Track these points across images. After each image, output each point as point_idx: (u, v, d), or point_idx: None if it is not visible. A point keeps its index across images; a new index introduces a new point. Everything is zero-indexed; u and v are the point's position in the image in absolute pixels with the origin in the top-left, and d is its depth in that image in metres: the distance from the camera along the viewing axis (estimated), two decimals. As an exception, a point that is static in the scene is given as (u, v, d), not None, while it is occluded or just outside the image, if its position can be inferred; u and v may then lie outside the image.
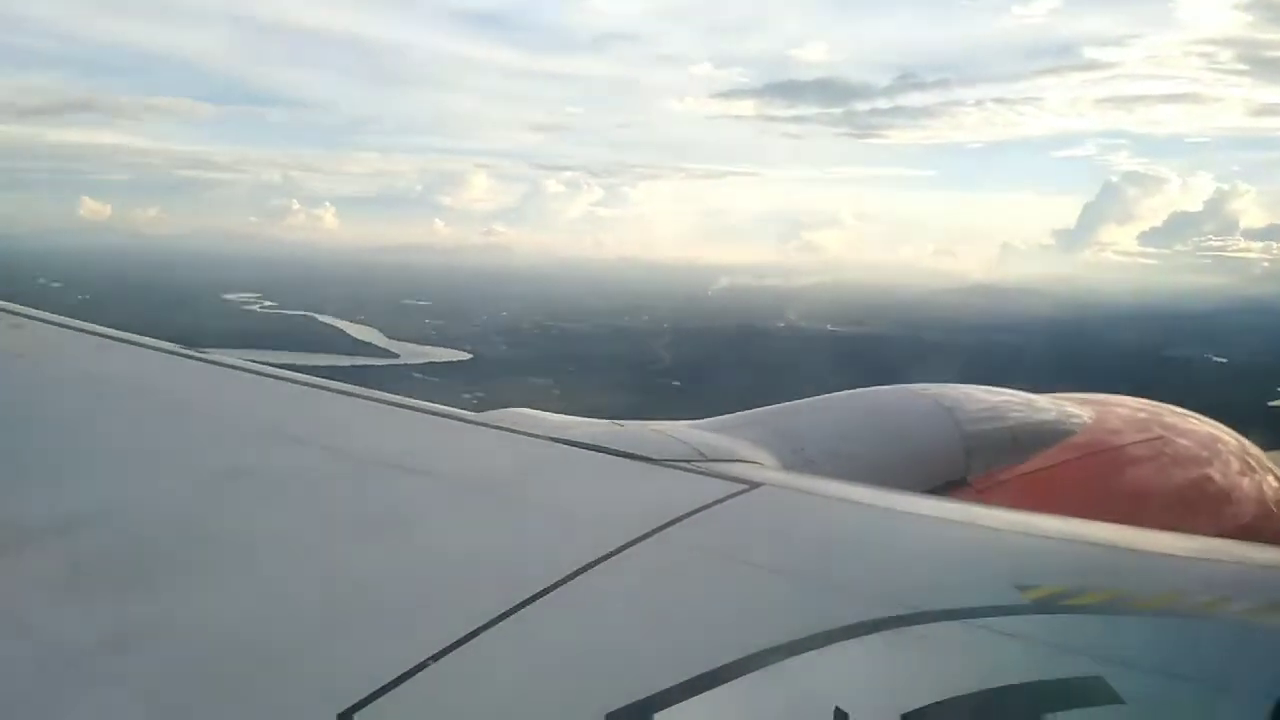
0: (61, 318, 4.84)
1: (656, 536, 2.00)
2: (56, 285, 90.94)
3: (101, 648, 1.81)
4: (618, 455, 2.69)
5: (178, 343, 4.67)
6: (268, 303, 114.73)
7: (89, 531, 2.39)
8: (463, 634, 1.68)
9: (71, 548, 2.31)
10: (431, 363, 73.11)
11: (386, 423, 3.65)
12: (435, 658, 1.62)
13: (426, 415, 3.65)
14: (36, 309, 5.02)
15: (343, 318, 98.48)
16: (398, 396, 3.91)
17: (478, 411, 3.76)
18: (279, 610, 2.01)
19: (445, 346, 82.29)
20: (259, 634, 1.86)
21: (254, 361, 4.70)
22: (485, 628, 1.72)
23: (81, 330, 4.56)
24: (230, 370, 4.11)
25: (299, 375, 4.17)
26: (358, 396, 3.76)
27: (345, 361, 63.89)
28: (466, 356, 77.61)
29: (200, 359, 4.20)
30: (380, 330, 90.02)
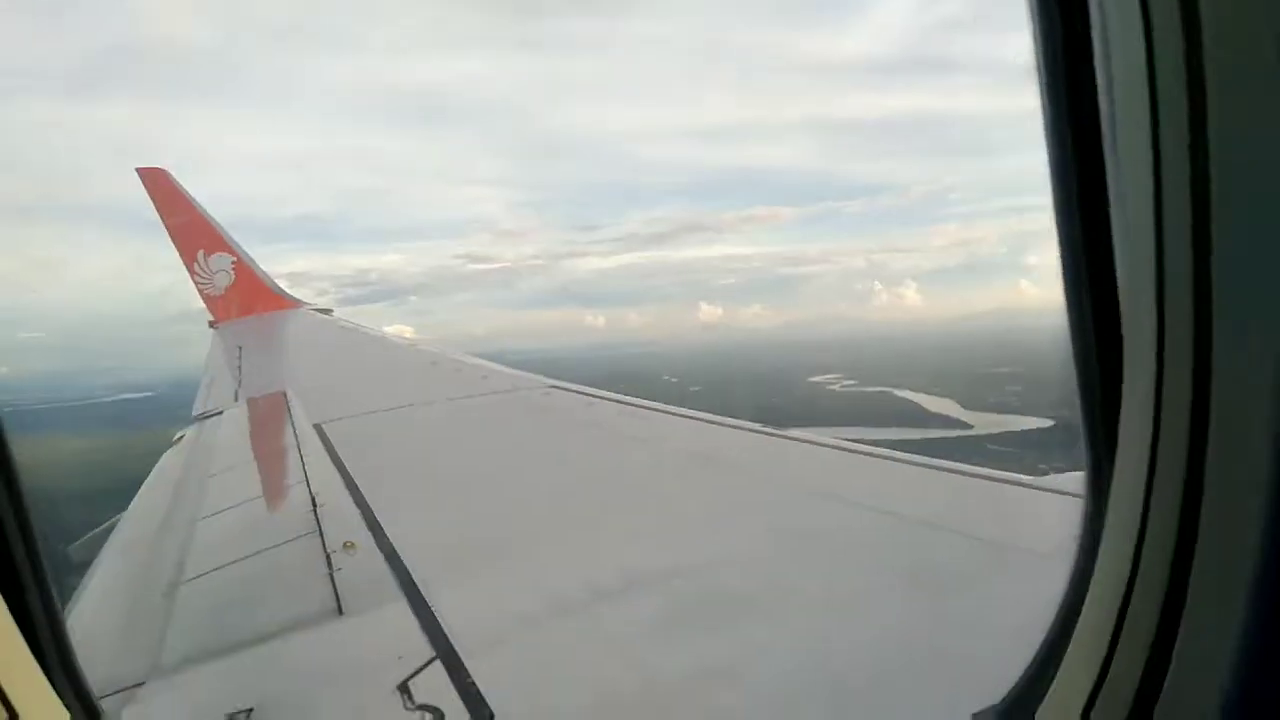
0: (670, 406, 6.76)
1: None
2: (674, 380, 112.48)
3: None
4: None
5: (765, 422, 6.04)
6: (848, 381, 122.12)
7: (688, 578, 3.17)
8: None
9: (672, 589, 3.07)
10: (1007, 432, 69.06)
11: (926, 486, 4.23)
12: None
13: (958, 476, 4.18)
14: (655, 401, 7.12)
15: (920, 391, 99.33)
16: (929, 459, 4.49)
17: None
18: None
19: (1026, 414, 76.73)
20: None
21: (824, 436, 5.80)
22: None
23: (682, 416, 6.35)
24: (792, 443, 5.34)
25: (845, 443, 5.15)
26: (897, 461, 4.46)
27: (916, 435, 64.03)
28: (1047, 424, 71.25)
29: (771, 434, 5.53)
30: (957, 401, 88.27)
